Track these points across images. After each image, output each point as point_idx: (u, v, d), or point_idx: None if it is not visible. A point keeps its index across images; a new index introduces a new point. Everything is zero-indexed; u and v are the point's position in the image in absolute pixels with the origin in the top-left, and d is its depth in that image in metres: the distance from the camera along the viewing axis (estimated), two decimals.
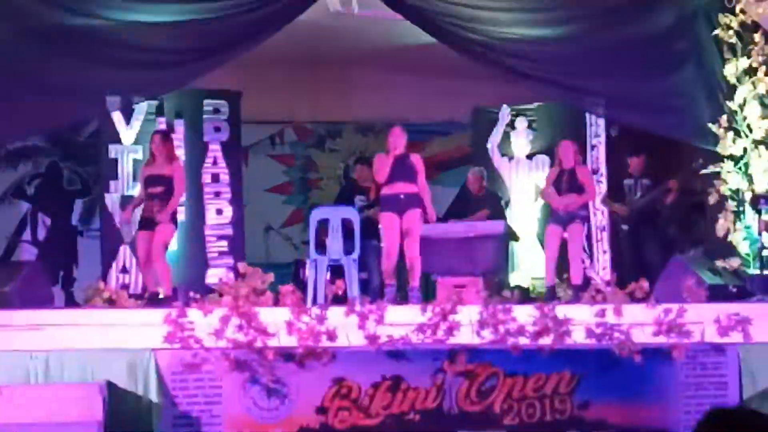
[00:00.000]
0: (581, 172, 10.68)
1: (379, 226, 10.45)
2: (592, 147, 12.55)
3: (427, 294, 10.25)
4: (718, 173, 10.30)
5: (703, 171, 10.38)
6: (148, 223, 10.11)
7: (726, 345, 8.95)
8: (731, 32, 10.34)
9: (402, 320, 8.72)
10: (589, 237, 12.21)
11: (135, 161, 11.71)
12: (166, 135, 10.65)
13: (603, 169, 12.48)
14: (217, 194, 12.20)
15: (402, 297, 9.96)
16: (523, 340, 8.76)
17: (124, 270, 11.54)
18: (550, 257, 10.50)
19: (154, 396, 8.48)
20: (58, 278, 11.78)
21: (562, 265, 10.62)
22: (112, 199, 11.76)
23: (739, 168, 10.28)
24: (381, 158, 10.25)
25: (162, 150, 10.22)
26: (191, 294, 8.88)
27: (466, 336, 8.75)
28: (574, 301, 9.70)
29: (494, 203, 12.19)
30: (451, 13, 10.29)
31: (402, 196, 10.05)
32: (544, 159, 12.60)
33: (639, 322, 8.85)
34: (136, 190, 10.99)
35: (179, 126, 12.01)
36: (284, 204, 14.52)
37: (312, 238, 10.18)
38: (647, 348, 8.80)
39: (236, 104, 12.30)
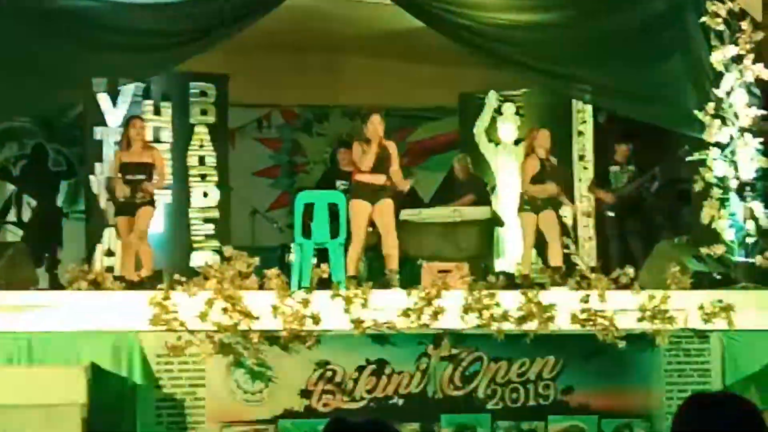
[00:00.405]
0: (552, 163, 10.72)
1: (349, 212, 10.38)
2: (579, 133, 12.56)
3: (412, 279, 10.25)
4: (704, 160, 10.31)
5: (689, 158, 10.40)
6: (128, 208, 10.13)
7: (709, 332, 8.99)
8: (719, 20, 10.34)
9: (387, 304, 8.73)
10: (574, 223, 12.23)
11: (115, 143, 11.67)
12: (141, 120, 10.68)
13: (590, 156, 12.49)
14: (203, 177, 12.18)
15: (382, 283, 9.91)
16: (508, 325, 8.77)
17: (109, 252, 11.51)
18: (529, 245, 10.53)
19: (138, 378, 8.47)
20: (43, 260, 11.73)
21: (542, 250, 10.65)
22: (97, 181, 11.73)
23: (725, 155, 10.29)
24: (362, 146, 10.15)
25: (140, 136, 10.24)
26: (176, 276, 8.87)
27: (450, 321, 8.76)
28: (557, 284, 9.70)
29: (480, 189, 12.20)
30: None
31: (377, 186, 10.00)
32: None
33: (623, 308, 8.87)
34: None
35: (166, 108, 11.97)
36: (271, 187, 14.50)
37: (298, 222, 10.17)
38: (631, 334, 8.83)
39: (223, 87, 12.27)
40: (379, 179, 10.01)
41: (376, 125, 10.07)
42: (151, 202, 10.24)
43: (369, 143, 10.07)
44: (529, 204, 10.59)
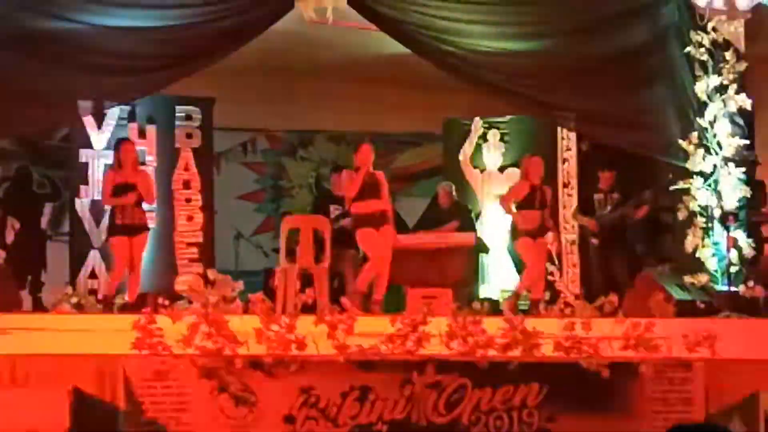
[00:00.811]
0: (546, 191, 10.74)
1: (359, 243, 10.42)
2: (564, 161, 12.60)
3: (397, 305, 10.25)
4: (688, 189, 10.37)
5: (673, 187, 10.45)
6: (125, 230, 10.15)
7: (693, 360, 9.01)
8: (703, 50, 10.42)
9: (371, 330, 8.72)
10: (559, 250, 12.25)
11: (106, 166, 11.66)
12: (132, 143, 10.72)
13: (573, 183, 12.53)
14: (188, 200, 12.16)
15: (364, 309, 9.93)
16: (492, 352, 8.77)
17: (93, 275, 11.48)
18: (531, 268, 10.50)
19: (121, 403, 8.43)
20: (26, 282, 11.69)
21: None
22: (82, 204, 11.71)
23: (709, 185, 10.35)
24: (350, 174, 10.26)
25: (130, 157, 10.26)
26: (160, 300, 8.85)
27: (435, 347, 8.76)
28: (536, 313, 9.72)
29: (464, 215, 12.21)
30: (426, 25, 10.34)
31: (377, 213, 10.07)
32: (515, 172, 12.63)
33: (607, 336, 8.89)
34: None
35: (151, 131, 11.98)
36: (255, 212, 14.49)
37: (282, 247, 10.17)
38: (615, 362, 8.84)
39: (209, 111, 12.27)
40: (376, 205, 10.05)
41: (365, 154, 10.15)
42: (146, 227, 10.30)
43: (358, 171, 10.14)
44: (524, 231, 10.57)
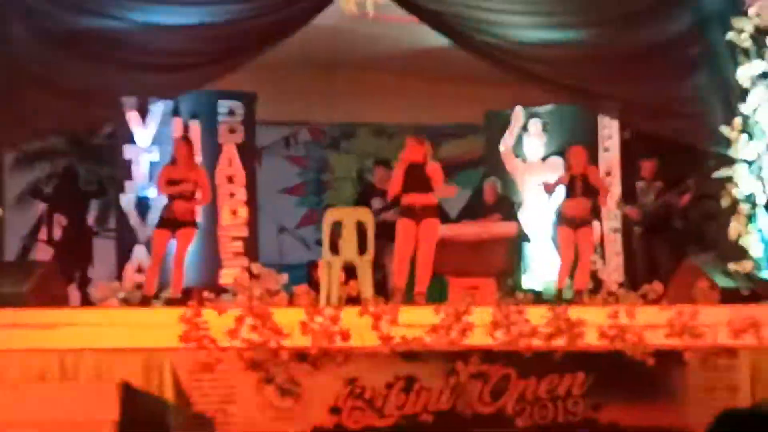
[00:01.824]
0: (592, 175, 10.60)
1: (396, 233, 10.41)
2: (605, 149, 12.57)
3: (441, 295, 10.27)
4: (731, 177, 10.32)
5: (716, 174, 10.40)
6: (169, 223, 10.14)
7: (738, 347, 8.97)
8: (745, 35, 10.36)
9: (415, 321, 8.76)
10: (602, 239, 12.24)
11: (151, 163, 11.78)
12: (189, 141, 10.76)
13: (616, 172, 12.50)
14: (232, 195, 12.25)
15: (408, 300, 9.94)
16: (536, 342, 8.79)
17: (140, 270, 11.60)
18: (566, 260, 10.46)
19: (169, 395, 8.53)
20: (74, 278, 11.83)
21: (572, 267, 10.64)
22: (127, 200, 11.84)
23: (752, 171, 10.29)
24: (396, 168, 10.19)
25: (185, 155, 10.28)
26: (205, 294, 8.93)
27: (479, 337, 8.78)
28: (578, 302, 9.69)
29: (508, 210, 12.19)
30: (467, 16, 10.33)
31: (418, 207, 10.00)
32: (557, 161, 12.61)
33: (652, 324, 8.87)
34: (152, 191, 11.11)
35: (194, 127, 12.07)
36: (298, 205, 14.57)
37: (325, 239, 10.22)
38: (660, 350, 8.83)
39: (251, 105, 12.35)
40: (420, 199, 9.97)
41: (409, 149, 10.03)
42: (194, 223, 10.27)
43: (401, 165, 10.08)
44: (565, 220, 10.52)
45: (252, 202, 12.37)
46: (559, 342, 8.79)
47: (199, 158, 11.93)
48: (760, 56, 10.35)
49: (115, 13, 9.97)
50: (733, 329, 8.93)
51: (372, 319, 8.70)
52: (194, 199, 10.20)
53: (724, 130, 10.27)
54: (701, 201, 11.37)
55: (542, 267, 12.23)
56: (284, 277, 9.04)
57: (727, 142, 10.29)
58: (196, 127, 12.08)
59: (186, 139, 10.99)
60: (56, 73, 9.82)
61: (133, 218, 11.76)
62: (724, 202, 10.31)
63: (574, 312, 8.90)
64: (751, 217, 10.24)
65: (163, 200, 10.36)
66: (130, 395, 8.35)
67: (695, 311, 8.90)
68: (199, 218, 11.51)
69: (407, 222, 9.91)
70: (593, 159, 11.97)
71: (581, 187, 10.47)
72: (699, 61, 10.55)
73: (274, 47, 10.37)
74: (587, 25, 10.60)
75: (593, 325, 8.84)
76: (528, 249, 12.32)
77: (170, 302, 9.80)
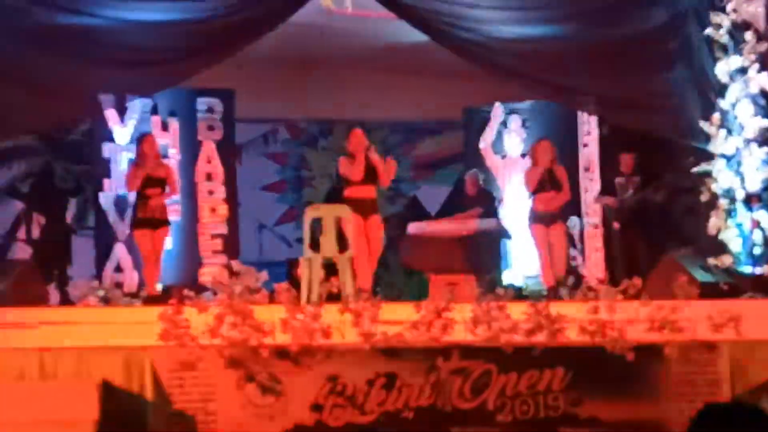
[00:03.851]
0: (559, 171, 10.63)
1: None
2: (584, 145, 12.59)
3: (421, 292, 10.27)
4: (710, 171, 10.35)
5: (695, 169, 10.43)
6: (148, 223, 10.22)
7: (718, 342, 9.00)
8: (722, 31, 10.39)
9: (396, 318, 8.75)
10: (581, 235, 12.26)
11: (129, 160, 11.74)
12: (153, 136, 10.81)
13: (595, 167, 12.52)
14: (211, 192, 12.22)
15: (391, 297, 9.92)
16: (517, 338, 8.79)
17: (118, 268, 11.56)
18: (545, 258, 10.48)
19: (150, 394, 8.50)
20: (53, 277, 11.77)
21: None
22: (105, 198, 11.79)
23: (731, 166, 10.33)
24: (347, 160, 10.19)
25: (154, 151, 10.34)
26: (185, 292, 8.90)
27: (459, 333, 8.78)
28: (553, 298, 9.70)
29: (488, 203, 12.22)
30: (445, 12, 10.33)
31: (367, 200, 10.03)
32: None
33: (632, 319, 8.89)
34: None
35: (173, 125, 12.03)
36: (278, 202, 14.55)
37: (306, 236, 10.20)
38: (640, 345, 8.84)
39: (230, 102, 12.32)
40: (368, 191, 10.01)
41: (359, 137, 10.12)
42: (167, 222, 10.41)
43: (354, 157, 10.10)
44: (538, 217, 10.54)
45: (231, 200, 12.34)
46: (540, 338, 8.80)
47: (178, 156, 11.95)
48: (738, 52, 10.38)
49: (90, 10, 9.93)
50: (712, 323, 8.95)
51: (353, 316, 8.69)
52: (165, 193, 10.34)
53: (703, 125, 10.30)
54: (680, 196, 11.40)
55: (522, 263, 12.24)
56: (264, 275, 9.01)
57: (706, 137, 10.32)
58: (174, 125, 12.04)
59: (150, 134, 10.98)
60: (31, 71, 9.75)
61: (112, 216, 11.71)
62: (703, 197, 10.35)
63: (555, 308, 8.91)
64: (730, 212, 10.27)
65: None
66: (110, 394, 8.32)
67: (675, 306, 8.91)
68: (178, 216, 11.52)
69: (356, 217, 9.92)
70: (573, 154, 12.01)
71: (549, 182, 10.47)
72: (676, 56, 10.58)
73: (252, 44, 10.34)
74: (563, 20, 10.61)
75: (573, 320, 8.85)
76: (508, 245, 12.32)
77: (150, 300, 9.77)
